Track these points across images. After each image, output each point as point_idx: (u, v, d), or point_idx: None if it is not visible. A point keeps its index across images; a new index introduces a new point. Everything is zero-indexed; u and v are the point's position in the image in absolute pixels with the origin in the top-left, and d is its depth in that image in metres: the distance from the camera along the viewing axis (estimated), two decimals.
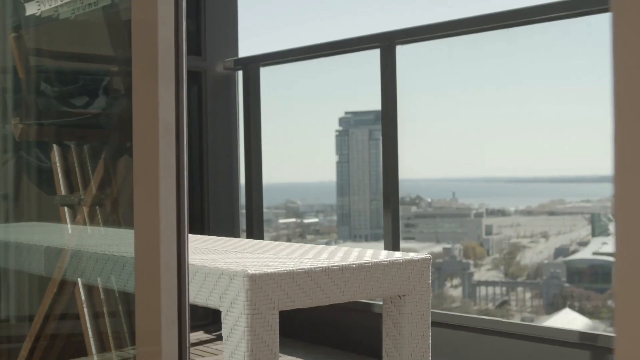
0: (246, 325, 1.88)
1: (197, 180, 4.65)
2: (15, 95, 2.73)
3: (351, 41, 3.98)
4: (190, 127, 4.69)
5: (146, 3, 1.61)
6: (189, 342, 1.61)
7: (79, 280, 2.47)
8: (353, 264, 2.13)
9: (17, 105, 2.69)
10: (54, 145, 2.59)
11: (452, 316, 3.37)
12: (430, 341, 2.33)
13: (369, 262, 2.17)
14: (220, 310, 1.98)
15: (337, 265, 2.10)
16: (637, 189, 0.73)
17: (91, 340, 2.42)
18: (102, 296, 2.43)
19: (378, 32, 3.81)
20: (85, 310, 2.44)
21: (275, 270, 1.96)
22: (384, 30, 3.79)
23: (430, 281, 2.31)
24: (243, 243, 2.70)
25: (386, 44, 3.74)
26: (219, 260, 2.16)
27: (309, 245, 2.57)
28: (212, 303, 2.02)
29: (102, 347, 2.41)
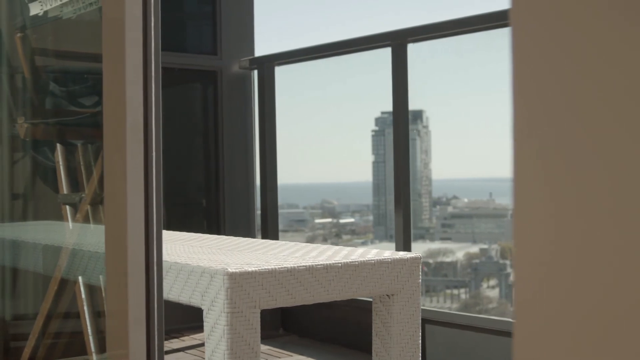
0: (226, 323, 1.87)
1: (213, 180, 4.66)
2: (20, 94, 2.76)
3: (362, 40, 3.96)
4: (206, 127, 4.70)
5: (115, 1, 1.61)
6: (158, 343, 1.59)
7: (80, 278, 2.48)
8: (338, 263, 2.11)
9: (22, 104, 2.71)
10: (58, 145, 2.61)
11: (452, 315, 3.34)
12: (420, 341, 2.30)
13: (355, 261, 2.15)
14: (202, 308, 1.98)
15: (321, 264, 2.08)
16: (533, 191, 0.75)
17: (90, 339, 2.43)
18: (104, 294, 2.44)
19: (389, 31, 3.79)
20: (85, 308, 2.45)
21: (256, 268, 1.95)
22: (396, 29, 3.77)
23: (420, 280, 2.28)
24: (239, 242, 2.69)
25: (397, 42, 3.71)
26: (205, 258, 2.15)
27: (302, 244, 2.55)
28: (195, 301, 2.02)
29: (102, 347, 2.42)
